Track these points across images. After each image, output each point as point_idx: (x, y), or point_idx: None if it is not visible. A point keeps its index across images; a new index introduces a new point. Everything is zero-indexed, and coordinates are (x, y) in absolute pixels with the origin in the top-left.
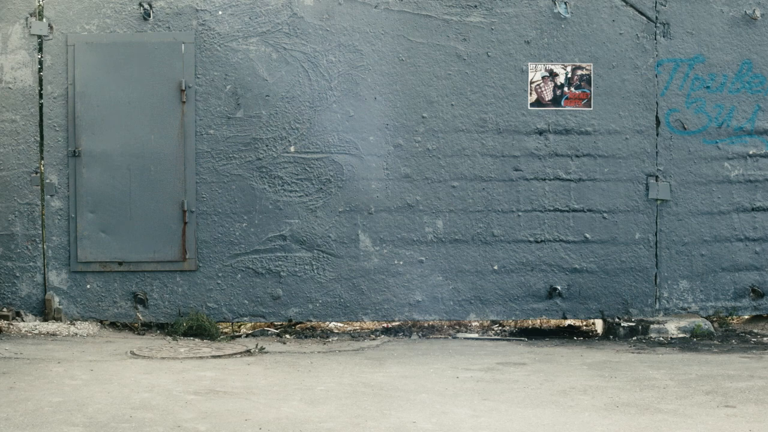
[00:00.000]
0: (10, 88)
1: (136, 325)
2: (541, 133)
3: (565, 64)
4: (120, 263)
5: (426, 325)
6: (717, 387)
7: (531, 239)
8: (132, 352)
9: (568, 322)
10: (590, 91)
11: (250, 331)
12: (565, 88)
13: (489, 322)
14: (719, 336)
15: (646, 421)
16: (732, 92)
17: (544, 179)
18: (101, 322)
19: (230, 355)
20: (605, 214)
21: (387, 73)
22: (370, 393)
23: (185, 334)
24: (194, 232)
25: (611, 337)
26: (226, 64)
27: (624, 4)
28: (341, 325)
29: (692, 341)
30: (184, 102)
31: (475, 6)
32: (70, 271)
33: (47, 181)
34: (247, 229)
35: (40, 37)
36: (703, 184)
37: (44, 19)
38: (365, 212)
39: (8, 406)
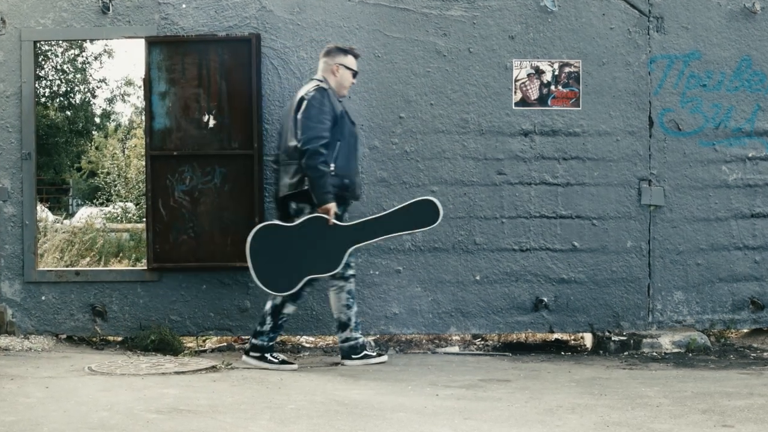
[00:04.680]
0: None
1: (95, 339)
2: (526, 134)
3: (552, 60)
4: (77, 273)
5: (404, 339)
6: (714, 405)
7: (515, 247)
8: (90, 368)
9: (555, 336)
10: (579, 89)
11: (216, 346)
12: (552, 87)
13: (471, 336)
14: (716, 351)
15: None
16: (730, 91)
17: (530, 184)
18: (57, 336)
19: (195, 371)
20: (595, 221)
21: (362, 70)
22: (344, 411)
23: (147, 349)
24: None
25: (601, 352)
26: None
27: None
28: (313, 339)
29: (687, 356)
30: None
31: None
32: (24, 282)
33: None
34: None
35: None
36: (699, 188)
37: None
38: (339, 219)
39: None
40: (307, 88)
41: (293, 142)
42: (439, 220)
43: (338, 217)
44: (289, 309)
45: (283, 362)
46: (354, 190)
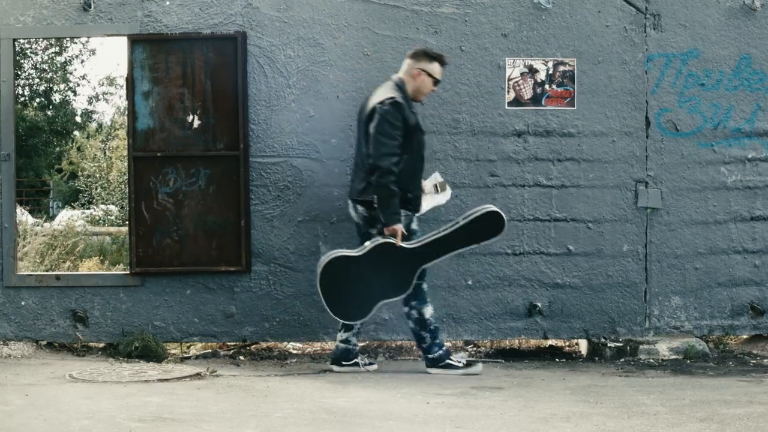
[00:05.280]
0: None
1: (76, 345)
2: (519, 135)
3: (546, 59)
4: (58, 277)
5: (394, 345)
6: (713, 413)
7: (508, 251)
8: (71, 376)
9: (550, 342)
10: (573, 89)
11: (200, 352)
12: (546, 86)
13: (462, 342)
14: (715, 357)
15: None
16: (729, 90)
17: (523, 186)
18: (37, 342)
19: (179, 379)
20: (590, 224)
21: (351, 69)
22: (332, 420)
23: (129, 356)
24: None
25: (596, 358)
26: None
27: None
28: (300, 345)
29: (685, 363)
30: None
31: None
32: (3, 287)
33: None
34: None
35: None
36: (697, 190)
37: None
38: (327, 222)
39: None
40: (382, 95)
41: (363, 150)
42: (505, 229)
43: (403, 235)
44: (429, 310)
45: (468, 364)
46: (416, 205)
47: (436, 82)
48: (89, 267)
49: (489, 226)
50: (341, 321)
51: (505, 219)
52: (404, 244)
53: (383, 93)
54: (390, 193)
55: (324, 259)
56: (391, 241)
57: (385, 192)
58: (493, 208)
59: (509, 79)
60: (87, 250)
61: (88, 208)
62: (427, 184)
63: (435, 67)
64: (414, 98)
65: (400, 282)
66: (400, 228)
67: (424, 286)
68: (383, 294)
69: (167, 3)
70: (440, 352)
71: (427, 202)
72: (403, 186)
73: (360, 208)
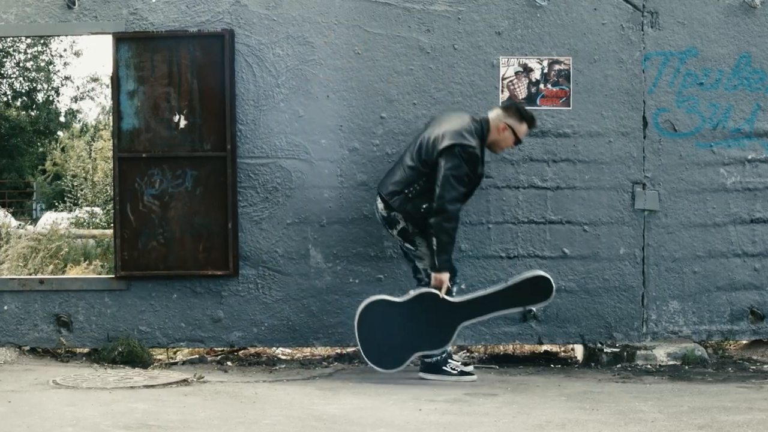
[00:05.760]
0: None
1: (60, 351)
2: None
3: (541, 57)
4: (41, 281)
5: None
6: (711, 420)
7: (503, 254)
8: (55, 382)
9: (545, 347)
10: (569, 88)
11: (187, 358)
12: (541, 85)
13: (456, 347)
14: (714, 363)
15: None
16: (728, 89)
17: (518, 187)
18: (20, 347)
19: (165, 385)
20: (586, 227)
21: (341, 68)
22: (322, 427)
23: (114, 361)
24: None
25: (593, 364)
26: None
27: None
28: (290, 351)
29: (684, 369)
30: None
31: None
32: None
33: None
34: None
35: None
36: (695, 192)
37: None
38: (316, 224)
39: None
40: (462, 132)
41: (411, 160)
42: (553, 296)
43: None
44: None
45: (462, 373)
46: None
47: (517, 141)
48: (78, 273)
49: (537, 290)
50: (373, 367)
51: (554, 286)
52: (449, 299)
53: (464, 133)
54: (451, 239)
55: (365, 302)
56: (436, 292)
57: (447, 237)
58: (543, 273)
59: (503, 79)
60: (72, 254)
61: (72, 210)
62: None
63: (523, 128)
64: (489, 148)
65: (439, 336)
66: (446, 278)
67: (455, 289)
68: (420, 346)
69: (153, 0)
70: (437, 357)
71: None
72: (426, 216)
73: (380, 204)
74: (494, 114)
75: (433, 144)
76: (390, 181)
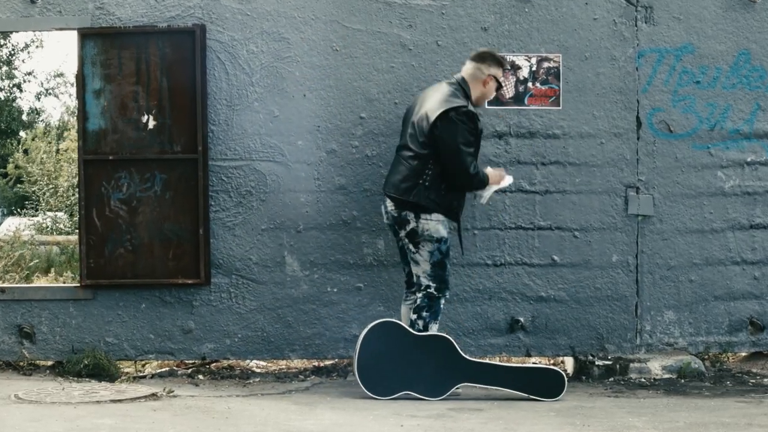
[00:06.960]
0: None
1: (22, 363)
2: (500, 136)
3: (530, 55)
4: (2, 290)
5: None
6: None
7: (489, 262)
8: (17, 396)
9: (533, 360)
10: (559, 87)
11: (156, 371)
12: (529, 84)
13: None
14: (711, 376)
15: None
16: (726, 88)
17: (504, 191)
18: None
19: (133, 400)
20: (576, 233)
21: (318, 65)
22: None
23: (80, 375)
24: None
25: (584, 377)
26: None
27: None
28: (264, 363)
29: (679, 383)
30: None
31: None
32: None
33: None
34: None
35: None
36: (692, 196)
37: None
38: (292, 230)
39: None
40: (446, 99)
41: (410, 151)
42: (563, 395)
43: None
44: (435, 328)
45: None
46: (457, 214)
47: (499, 87)
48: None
49: (549, 384)
50: (362, 388)
51: (566, 386)
52: (465, 355)
53: (450, 98)
54: (482, 181)
55: (379, 320)
56: (450, 339)
57: (481, 184)
58: (560, 371)
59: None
60: (38, 264)
61: (35, 216)
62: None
63: (501, 73)
64: (476, 104)
65: (437, 385)
66: (496, 171)
67: (443, 301)
68: (413, 385)
69: None
70: None
71: (488, 190)
72: (451, 195)
73: (390, 205)
74: (470, 69)
75: (426, 123)
76: (397, 179)
